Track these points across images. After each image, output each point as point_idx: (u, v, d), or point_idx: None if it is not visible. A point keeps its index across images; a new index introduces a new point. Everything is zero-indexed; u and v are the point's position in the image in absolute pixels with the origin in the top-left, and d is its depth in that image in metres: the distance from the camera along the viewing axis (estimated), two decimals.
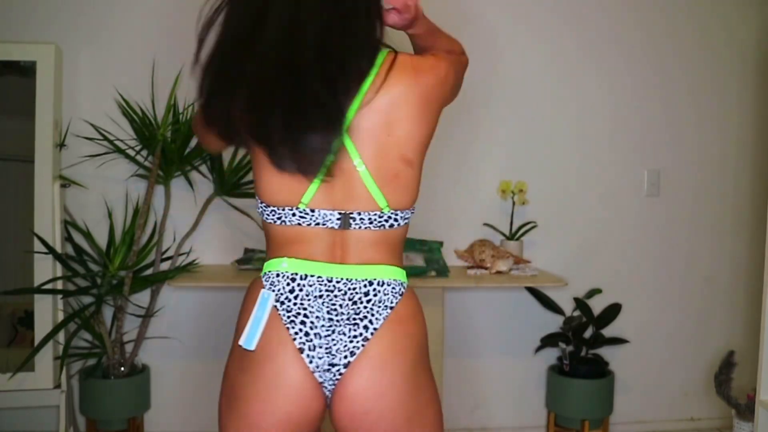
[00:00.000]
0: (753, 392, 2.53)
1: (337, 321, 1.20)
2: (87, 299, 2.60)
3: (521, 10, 2.98)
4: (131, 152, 2.70)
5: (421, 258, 2.67)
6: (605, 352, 3.01)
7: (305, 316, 1.21)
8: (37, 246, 2.50)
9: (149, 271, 2.69)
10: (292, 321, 1.21)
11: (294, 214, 1.23)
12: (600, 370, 2.90)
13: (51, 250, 2.49)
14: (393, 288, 1.23)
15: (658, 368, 3.18)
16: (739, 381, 2.83)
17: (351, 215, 1.22)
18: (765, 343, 2.23)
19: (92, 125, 2.70)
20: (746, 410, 2.65)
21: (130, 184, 2.76)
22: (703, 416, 3.23)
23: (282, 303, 1.22)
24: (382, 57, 1.22)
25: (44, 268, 2.53)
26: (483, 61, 2.97)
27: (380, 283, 1.23)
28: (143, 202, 2.65)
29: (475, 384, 3.07)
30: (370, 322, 1.20)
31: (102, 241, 2.68)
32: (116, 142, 2.67)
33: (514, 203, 2.93)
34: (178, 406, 2.88)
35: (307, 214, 1.22)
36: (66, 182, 2.65)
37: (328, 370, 1.20)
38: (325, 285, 1.22)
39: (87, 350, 2.66)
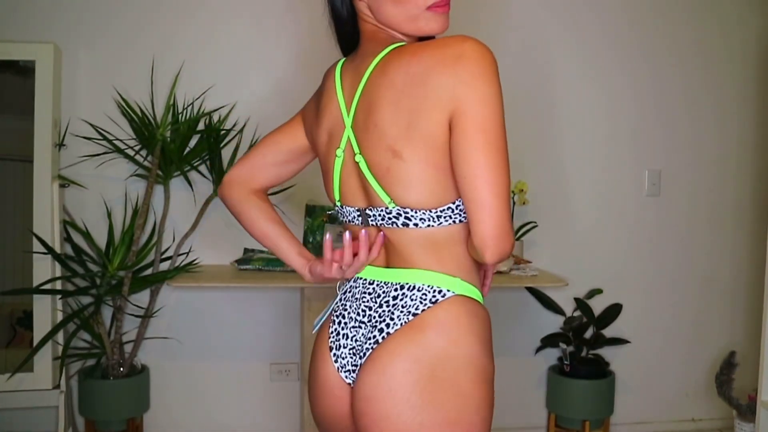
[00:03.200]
0: (754, 393, 2.53)
1: (364, 323, 1.19)
2: (86, 299, 2.59)
3: (520, 12, 2.97)
4: (130, 152, 2.69)
5: None
6: (606, 352, 3.01)
7: (342, 316, 1.23)
8: (36, 246, 2.49)
9: (148, 272, 2.68)
10: (332, 321, 1.25)
11: (340, 213, 1.27)
12: (601, 371, 2.90)
13: (50, 250, 2.48)
14: (424, 294, 1.14)
15: (659, 369, 3.18)
16: (740, 381, 2.83)
17: (367, 211, 1.20)
18: (766, 344, 2.22)
19: (91, 125, 2.69)
20: (747, 411, 2.65)
21: (129, 184, 2.75)
22: (704, 417, 3.22)
23: (337, 304, 1.28)
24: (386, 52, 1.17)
25: (43, 268, 2.52)
26: None
27: (410, 288, 1.15)
28: (142, 202, 2.64)
29: None
30: (387, 325, 1.14)
31: (101, 241, 2.68)
32: (115, 142, 2.67)
33: (514, 203, 2.92)
34: (178, 406, 2.87)
35: (341, 210, 1.25)
36: (65, 182, 2.64)
37: (353, 370, 1.19)
38: (366, 287, 1.22)
39: (86, 351, 2.65)
